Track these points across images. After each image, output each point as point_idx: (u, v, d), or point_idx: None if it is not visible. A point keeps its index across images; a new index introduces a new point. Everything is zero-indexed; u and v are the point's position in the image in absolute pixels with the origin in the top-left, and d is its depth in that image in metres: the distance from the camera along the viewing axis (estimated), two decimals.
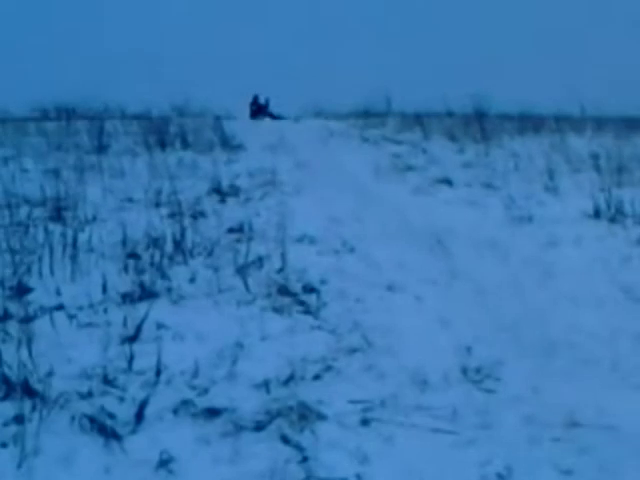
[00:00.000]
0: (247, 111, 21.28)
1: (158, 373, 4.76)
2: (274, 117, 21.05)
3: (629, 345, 5.43)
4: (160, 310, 5.75)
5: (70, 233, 7.10)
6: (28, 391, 4.43)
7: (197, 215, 8.51)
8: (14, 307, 5.72)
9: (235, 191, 9.77)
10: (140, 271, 6.60)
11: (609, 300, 6.25)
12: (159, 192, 9.23)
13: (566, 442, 4.13)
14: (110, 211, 8.56)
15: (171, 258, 6.93)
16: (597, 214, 8.63)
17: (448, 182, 10.65)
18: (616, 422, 4.30)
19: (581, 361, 5.15)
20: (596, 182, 10.08)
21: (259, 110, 21.30)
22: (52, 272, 6.49)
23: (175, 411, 4.37)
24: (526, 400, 4.57)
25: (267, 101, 21.82)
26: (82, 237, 7.23)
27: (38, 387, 4.47)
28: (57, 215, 8.16)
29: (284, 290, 6.26)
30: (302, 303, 6.07)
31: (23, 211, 8.22)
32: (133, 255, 7.01)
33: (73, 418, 4.22)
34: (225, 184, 9.93)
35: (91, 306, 5.85)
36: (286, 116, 20.50)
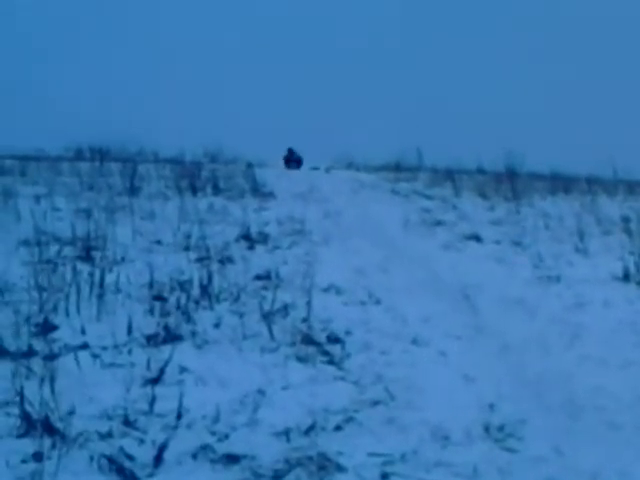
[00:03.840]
0: (282, 162, 21.39)
1: (179, 417, 4.76)
2: (298, 160, 21.26)
3: None
4: (184, 354, 5.76)
5: (98, 273, 7.14)
6: (48, 429, 4.44)
7: (225, 260, 8.53)
8: (39, 344, 5.75)
9: (264, 238, 9.79)
10: (166, 314, 6.61)
11: (635, 363, 6.18)
12: (188, 236, 9.28)
13: None
14: (139, 253, 8.59)
15: (197, 302, 6.94)
16: (626, 277, 8.58)
17: (477, 238, 10.62)
18: None
19: (605, 424, 5.09)
20: (626, 245, 10.01)
21: (290, 159, 21.44)
22: (78, 311, 6.52)
23: (194, 456, 4.36)
24: (548, 461, 4.52)
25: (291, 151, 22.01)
26: (110, 277, 7.27)
27: (59, 425, 4.47)
28: (86, 254, 8.21)
29: (308, 339, 6.26)
30: (326, 353, 6.05)
31: (53, 249, 8.27)
32: (159, 297, 7.03)
33: (92, 458, 4.21)
34: (254, 231, 9.96)
35: (115, 346, 5.87)
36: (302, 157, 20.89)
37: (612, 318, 7.26)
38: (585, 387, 5.66)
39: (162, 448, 4.35)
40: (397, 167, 17.97)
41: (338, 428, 4.83)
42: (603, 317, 7.32)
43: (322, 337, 6.37)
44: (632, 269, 8.62)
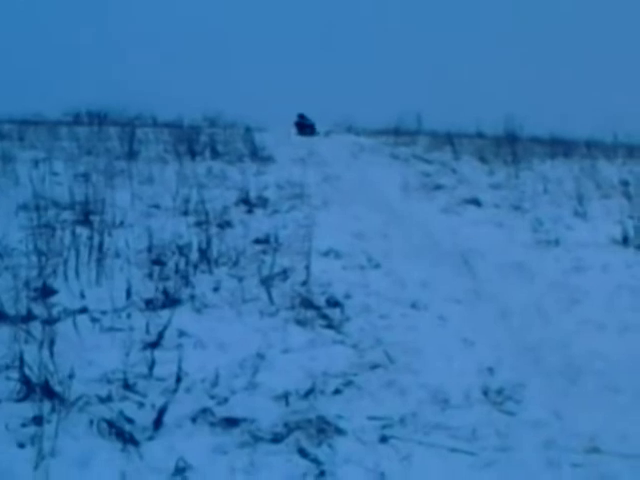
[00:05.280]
0: (293, 128, 20.77)
1: (178, 380, 4.76)
2: (311, 126, 20.78)
3: None
4: (183, 318, 5.76)
5: (97, 237, 7.12)
6: (48, 393, 4.44)
7: (224, 225, 8.53)
8: (38, 308, 5.75)
9: (263, 202, 9.78)
10: (164, 278, 6.61)
11: (634, 327, 6.18)
12: (187, 200, 9.26)
13: (586, 468, 4.09)
14: (137, 217, 8.59)
15: (196, 266, 6.94)
16: (625, 241, 8.57)
17: (476, 202, 10.61)
18: (637, 450, 4.25)
19: (603, 387, 5.09)
20: (625, 209, 9.99)
21: (304, 124, 20.92)
22: (77, 275, 6.52)
23: (194, 419, 4.37)
24: (547, 424, 4.53)
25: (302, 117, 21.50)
26: (108, 242, 7.26)
27: (58, 389, 4.48)
28: (85, 219, 8.19)
29: (308, 303, 6.25)
30: (325, 317, 6.05)
31: (51, 213, 8.25)
32: (158, 262, 7.03)
33: (92, 421, 4.22)
34: (253, 195, 9.95)
35: (114, 311, 5.87)
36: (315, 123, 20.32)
37: (611, 282, 7.25)
38: (584, 351, 5.66)
39: (162, 411, 4.36)
40: (397, 131, 17.89)
41: (337, 391, 4.84)
42: (602, 281, 7.31)
43: (321, 301, 6.37)
44: (631, 233, 8.61)
